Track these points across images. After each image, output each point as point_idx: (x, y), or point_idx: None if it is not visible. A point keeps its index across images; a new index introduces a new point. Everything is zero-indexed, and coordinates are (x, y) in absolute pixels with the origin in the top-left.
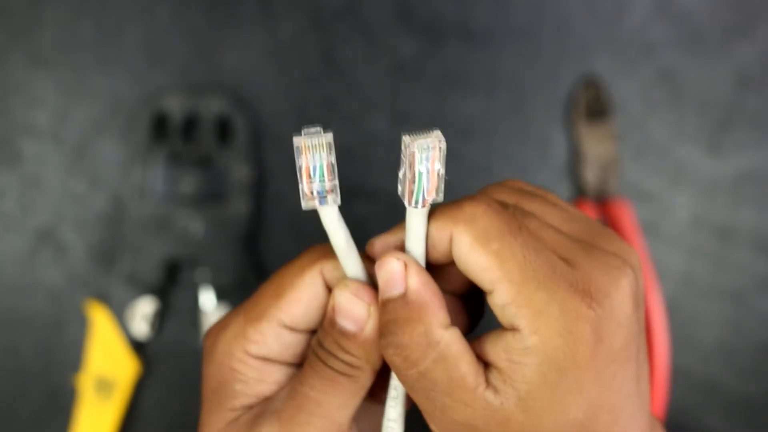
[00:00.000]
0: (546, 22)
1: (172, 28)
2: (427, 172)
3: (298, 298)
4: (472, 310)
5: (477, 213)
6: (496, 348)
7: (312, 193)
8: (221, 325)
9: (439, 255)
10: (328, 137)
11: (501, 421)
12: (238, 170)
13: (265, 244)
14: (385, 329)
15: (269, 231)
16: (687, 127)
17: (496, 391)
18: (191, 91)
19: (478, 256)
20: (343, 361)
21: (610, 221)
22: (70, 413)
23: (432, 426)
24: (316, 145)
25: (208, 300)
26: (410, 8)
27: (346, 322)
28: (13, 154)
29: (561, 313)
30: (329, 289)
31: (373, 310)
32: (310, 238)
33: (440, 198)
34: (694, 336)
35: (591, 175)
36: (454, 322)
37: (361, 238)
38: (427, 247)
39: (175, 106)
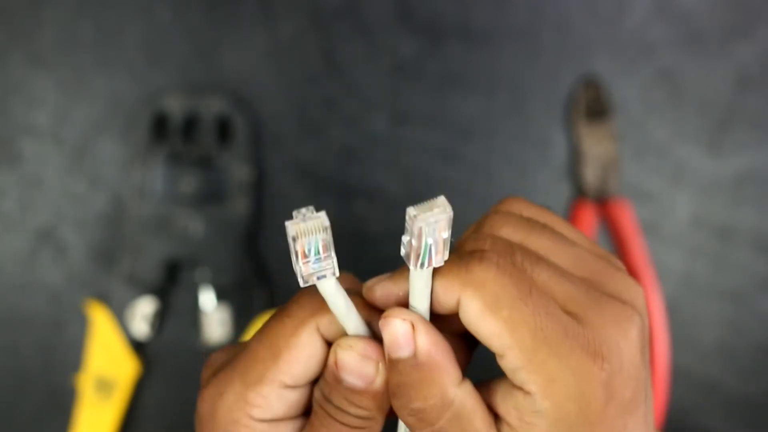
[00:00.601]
0: (546, 22)
1: (172, 28)
2: (435, 243)
3: (297, 358)
4: (471, 342)
5: (487, 278)
6: (506, 404)
7: (309, 271)
8: (216, 390)
9: (444, 311)
10: (323, 219)
11: None
12: (238, 170)
13: (265, 244)
14: (397, 391)
15: (269, 231)
16: (687, 127)
17: None
18: (191, 91)
19: (489, 324)
20: (354, 416)
21: (610, 221)
22: (70, 413)
23: None
24: (311, 228)
25: (208, 300)
26: (410, 8)
27: (354, 380)
28: (13, 154)
29: (573, 378)
30: (327, 343)
31: (382, 366)
32: None
33: (446, 257)
34: (694, 336)
35: (591, 175)
36: (460, 365)
37: (361, 238)
38: (431, 302)
39: (175, 106)
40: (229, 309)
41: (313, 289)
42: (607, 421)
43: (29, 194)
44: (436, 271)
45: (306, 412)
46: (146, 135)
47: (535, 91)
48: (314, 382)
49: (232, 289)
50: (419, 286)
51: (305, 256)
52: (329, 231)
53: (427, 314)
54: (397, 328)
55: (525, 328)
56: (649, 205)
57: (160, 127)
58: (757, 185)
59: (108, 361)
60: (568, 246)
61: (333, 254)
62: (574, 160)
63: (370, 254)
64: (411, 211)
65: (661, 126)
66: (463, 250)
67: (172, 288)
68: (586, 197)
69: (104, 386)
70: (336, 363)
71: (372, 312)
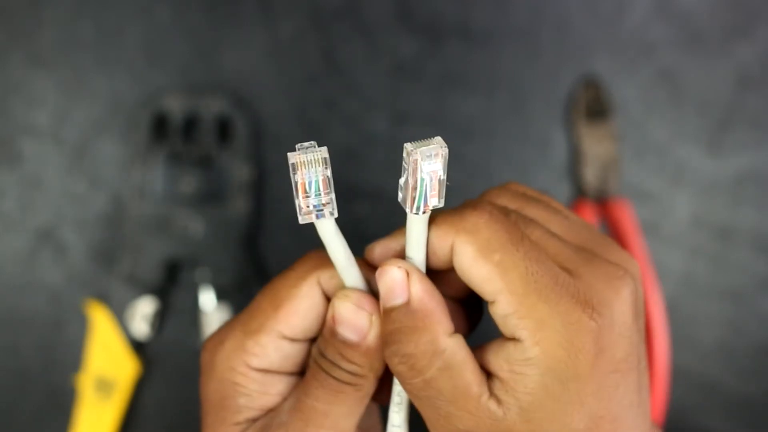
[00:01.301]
0: (546, 22)
1: (172, 28)
2: (430, 179)
3: (296, 310)
4: (471, 313)
5: (479, 223)
6: (498, 358)
7: (308, 207)
8: (218, 339)
9: (439, 262)
10: (324, 152)
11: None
12: (238, 170)
13: (265, 244)
14: (389, 338)
15: (269, 231)
16: (687, 127)
17: (498, 401)
18: (191, 91)
19: (480, 267)
20: (346, 371)
21: (610, 221)
22: (70, 413)
23: None
24: (311, 160)
25: (208, 300)
26: (410, 8)
27: (348, 332)
28: (13, 154)
29: (563, 324)
30: (327, 298)
31: (375, 319)
32: (310, 238)
33: (441, 204)
34: (694, 336)
35: (591, 175)
36: (455, 328)
37: (362, 238)
38: (427, 253)
39: (175, 106)
40: (229, 309)
41: (318, 251)
42: (597, 377)
43: (29, 194)
44: (431, 222)
45: (300, 371)
46: (146, 135)
47: (535, 91)
48: (313, 342)
49: (232, 289)
50: (415, 233)
51: (305, 191)
52: (329, 166)
53: (423, 266)
54: (392, 275)
55: (516, 273)
56: (649, 205)
57: (160, 127)
58: (757, 185)
59: (108, 361)
60: (563, 218)
61: (333, 194)
62: (574, 160)
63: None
64: (408, 146)
65: (661, 126)
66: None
67: (172, 288)
68: (586, 197)
69: (104, 386)
70: (333, 316)
71: (371, 272)
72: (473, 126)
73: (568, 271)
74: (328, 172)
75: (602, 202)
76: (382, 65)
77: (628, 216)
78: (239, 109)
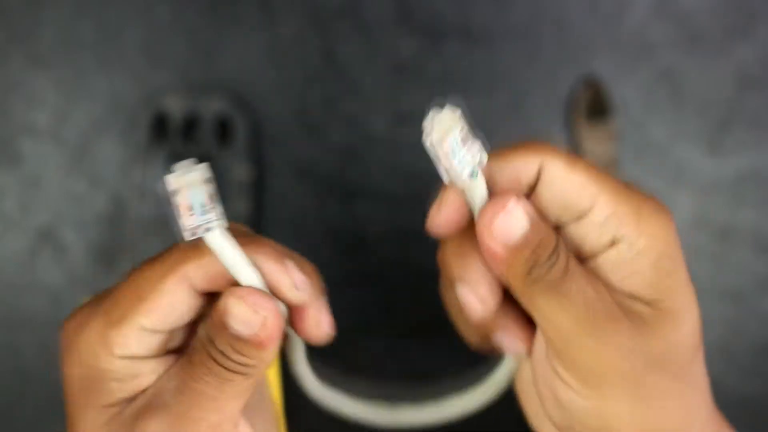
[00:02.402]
0: (546, 22)
1: (172, 28)
2: (456, 141)
3: (160, 305)
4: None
5: (550, 144)
6: (606, 273)
7: (193, 225)
8: (78, 321)
9: (522, 188)
10: (204, 171)
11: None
12: (238, 170)
13: None
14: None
15: (269, 231)
16: (687, 127)
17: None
18: (191, 91)
19: (575, 176)
20: (237, 362)
21: None
22: None
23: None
24: (191, 183)
25: None
26: (410, 8)
27: (241, 328)
28: (13, 154)
29: (656, 212)
30: (196, 291)
31: (269, 319)
32: (311, 237)
33: (485, 156)
34: None
35: None
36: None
37: (361, 238)
38: (511, 182)
39: (175, 106)
40: None
41: (186, 243)
42: (684, 271)
43: (29, 194)
44: (511, 153)
45: (172, 351)
46: (146, 135)
47: (535, 91)
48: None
49: None
50: (479, 193)
51: (189, 209)
52: (212, 182)
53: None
54: (515, 212)
55: (603, 175)
56: None
57: (160, 127)
58: (757, 185)
59: None
60: None
61: (219, 205)
62: None
63: (370, 254)
64: (426, 123)
65: (661, 126)
66: None
67: None
68: None
69: None
70: (225, 310)
71: (262, 257)
72: (473, 126)
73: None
74: (212, 189)
75: None
76: (382, 65)
77: None
78: (239, 109)
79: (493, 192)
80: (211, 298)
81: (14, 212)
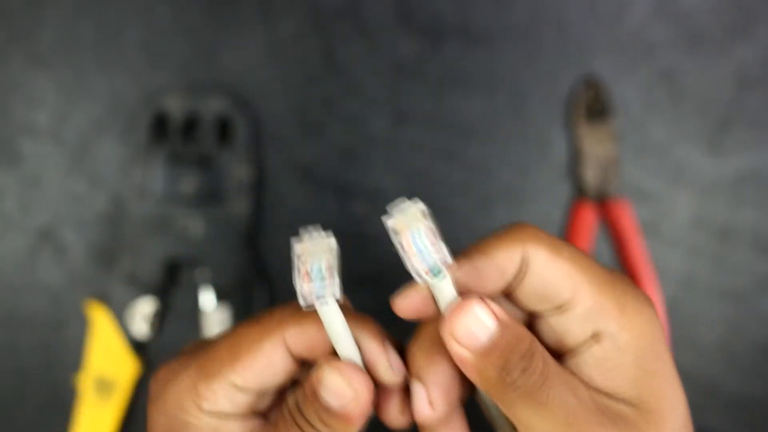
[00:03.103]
0: (546, 22)
1: (172, 28)
2: (421, 236)
3: (254, 364)
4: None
5: (535, 229)
6: (588, 369)
7: (311, 292)
8: (171, 371)
9: (501, 282)
10: (331, 243)
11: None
12: (238, 170)
13: (265, 244)
14: (501, 367)
15: (269, 231)
16: (687, 127)
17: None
18: (191, 91)
19: (559, 265)
20: None
21: (610, 221)
22: (70, 413)
23: None
24: (317, 250)
25: (208, 300)
26: (410, 8)
27: (332, 399)
28: (13, 154)
29: (640, 304)
30: (292, 355)
31: (361, 394)
32: None
33: (449, 260)
34: (694, 336)
35: (591, 175)
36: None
37: (361, 237)
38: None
39: (175, 106)
40: (229, 309)
41: (290, 305)
42: (671, 366)
43: (29, 194)
44: (491, 244)
45: (258, 413)
46: (146, 135)
47: (535, 91)
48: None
49: (232, 289)
50: (445, 296)
51: (308, 275)
52: (335, 254)
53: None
54: (477, 312)
55: (587, 265)
56: (649, 205)
57: (160, 127)
58: (757, 185)
59: (108, 361)
60: None
61: (337, 278)
62: (574, 160)
63: (370, 254)
64: (384, 219)
65: (661, 126)
66: None
67: (172, 288)
68: (586, 197)
69: (104, 386)
70: (318, 379)
71: (365, 333)
72: (473, 126)
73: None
74: (335, 261)
75: (602, 202)
76: (382, 65)
77: (628, 216)
78: (239, 109)
79: (470, 291)
80: (303, 366)
81: (14, 212)
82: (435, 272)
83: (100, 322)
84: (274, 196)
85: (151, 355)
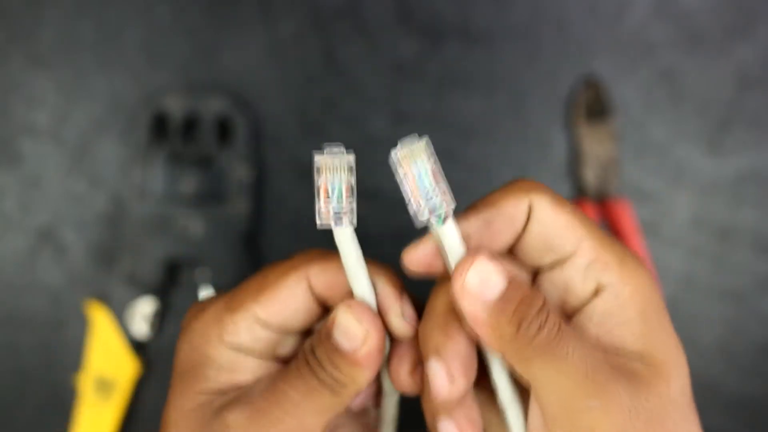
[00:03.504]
0: (546, 22)
1: (172, 28)
2: (426, 174)
3: (277, 297)
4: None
5: (537, 182)
6: (591, 325)
7: (328, 212)
8: (202, 306)
9: (511, 232)
10: (350, 159)
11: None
12: (238, 170)
13: (265, 244)
14: (514, 319)
15: (269, 231)
16: (687, 127)
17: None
18: (191, 91)
19: (562, 216)
20: (330, 375)
21: (610, 221)
22: (70, 413)
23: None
24: (337, 165)
25: None
26: (410, 8)
27: (342, 340)
28: (13, 154)
29: (635, 260)
30: (314, 294)
31: (370, 336)
32: (311, 237)
33: (453, 203)
34: (694, 336)
35: (591, 175)
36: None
37: (361, 238)
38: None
39: (175, 106)
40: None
41: (318, 249)
42: (670, 324)
43: (29, 194)
44: (502, 194)
45: (276, 359)
46: (146, 135)
47: (535, 91)
48: (285, 336)
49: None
50: (450, 241)
51: (327, 194)
52: (354, 173)
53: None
54: (483, 268)
55: (587, 219)
56: (649, 205)
57: (160, 127)
58: (757, 185)
59: (108, 361)
60: None
61: (354, 203)
62: (574, 160)
63: (370, 254)
64: (392, 152)
65: (661, 126)
66: None
67: (172, 288)
68: (586, 197)
69: (104, 386)
70: (333, 320)
71: (381, 278)
72: (473, 126)
73: None
74: (353, 180)
75: (602, 202)
76: (382, 65)
77: (628, 216)
78: (239, 109)
79: (480, 247)
80: (325, 314)
81: (14, 212)
82: (438, 214)
83: (100, 322)
84: (274, 196)
85: (151, 355)
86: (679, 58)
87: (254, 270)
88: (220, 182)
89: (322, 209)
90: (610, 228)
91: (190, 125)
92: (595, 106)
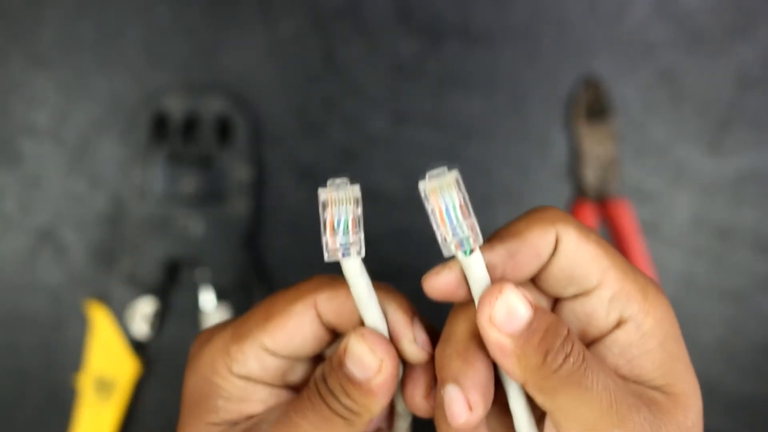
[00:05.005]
0: (546, 22)
1: (172, 28)
2: (453, 206)
3: (285, 325)
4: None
5: (561, 211)
6: (612, 356)
7: (335, 245)
8: (208, 335)
9: (537, 265)
10: (356, 190)
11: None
12: (238, 170)
13: (265, 244)
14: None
15: (269, 231)
16: (687, 127)
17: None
18: (191, 91)
19: (588, 247)
20: (343, 405)
21: (610, 221)
22: (70, 413)
23: None
24: (342, 198)
25: (208, 300)
26: (410, 8)
27: (355, 369)
28: (13, 154)
29: (656, 292)
30: (322, 321)
31: (384, 365)
32: (311, 238)
33: (480, 240)
34: (694, 336)
35: (591, 175)
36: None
37: None
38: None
39: (175, 106)
40: (229, 309)
41: (325, 275)
42: (687, 355)
43: (29, 194)
44: (524, 224)
45: (286, 386)
46: (146, 135)
47: (535, 91)
48: (294, 363)
49: (232, 289)
50: (476, 272)
51: (333, 228)
52: (360, 205)
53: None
54: (512, 300)
55: (612, 249)
56: (649, 205)
57: (160, 127)
58: (757, 185)
59: (108, 361)
60: None
61: (362, 233)
62: (574, 160)
63: (370, 254)
64: (421, 183)
65: (661, 126)
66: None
67: (172, 288)
68: (586, 197)
69: (104, 386)
70: (345, 349)
71: (392, 304)
72: (473, 126)
73: None
74: (359, 211)
75: (602, 202)
76: (382, 65)
77: (628, 216)
78: (239, 109)
79: (504, 277)
80: (335, 341)
81: (14, 212)
82: (465, 247)
83: (100, 322)
84: (274, 196)
85: (151, 355)
86: (679, 58)
87: (254, 270)
88: (220, 182)
89: (329, 244)
90: (610, 228)
91: (190, 125)
92: (595, 106)
